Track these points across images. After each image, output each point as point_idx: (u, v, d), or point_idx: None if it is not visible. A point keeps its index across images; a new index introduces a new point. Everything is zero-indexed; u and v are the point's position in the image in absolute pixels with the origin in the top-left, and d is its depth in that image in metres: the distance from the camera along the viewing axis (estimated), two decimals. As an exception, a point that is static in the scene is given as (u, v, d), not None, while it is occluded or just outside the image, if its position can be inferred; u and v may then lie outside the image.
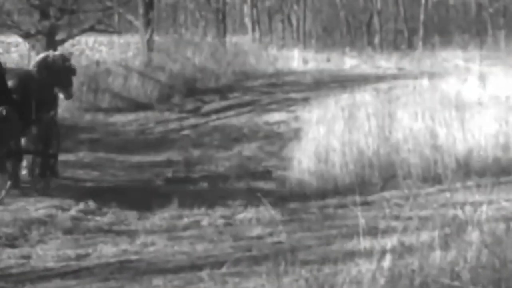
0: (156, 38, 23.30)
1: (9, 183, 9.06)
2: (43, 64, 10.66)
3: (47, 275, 6.54)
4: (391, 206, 8.65)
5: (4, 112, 9.06)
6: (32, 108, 9.80)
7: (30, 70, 10.77)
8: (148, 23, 22.46)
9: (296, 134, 11.88)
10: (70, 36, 20.17)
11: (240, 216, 8.87)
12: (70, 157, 12.95)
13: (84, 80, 19.15)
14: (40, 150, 10.16)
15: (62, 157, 12.96)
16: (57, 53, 11.67)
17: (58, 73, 10.70)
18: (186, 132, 16.69)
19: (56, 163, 10.48)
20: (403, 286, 4.91)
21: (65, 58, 11.12)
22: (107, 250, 7.32)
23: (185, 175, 12.07)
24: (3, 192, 8.85)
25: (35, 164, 10.14)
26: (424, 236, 5.94)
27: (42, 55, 11.28)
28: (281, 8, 45.31)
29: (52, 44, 19.00)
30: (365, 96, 13.17)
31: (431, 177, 10.13)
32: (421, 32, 41.97)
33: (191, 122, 17.50)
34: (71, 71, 11.10)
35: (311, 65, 26.33)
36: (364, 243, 5.83)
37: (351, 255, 5.92)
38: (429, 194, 9.38)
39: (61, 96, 11.22)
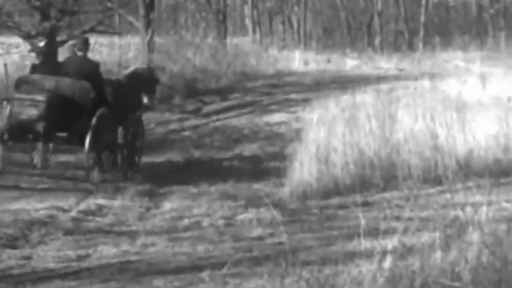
0: (156, 39, 23.29)
1: (103, 168, 11.20)
2: (133, 75, 12.61)
3: (47, 276, 6.53)
4: (392, 206, 8.65)
5: (104, 113, 10.94)
6: (122, 110, 11.50)
7: (121, 79, 12.54)
8: (148, 24, 22.44)
9: (297, 135, 11.88)
10: (71, 37, 20.12)
11: (241, 216, 8.88)
12: (70, 158, 12.95)
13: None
14: (129, 143, 11.88)
15: (62, 157, 13.00)
16: (145, 66, 14.00)
17: (144, 82, 12.62)
18: (186, 133, 16.69)
19: (141, 154, 12.36)
20: (403, 287, 4.91)
21: (151, 70, 13.57)
22: (108, 251, 7.32)
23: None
24: (99, 178, 10.94)
25: (123, 155, 11.81)
26: (425, 237, 5.95)
27: (132, 67, 13.76)
28: (281, 9, 45.31)
29: (52, 45, 19.01)
30: (365, 97, 13.17)
31: (432, 178, 10.13)
32: (421, 33, 41.98)
33: (191, 123, 17.51)
34: (156, 81, 13.25)
35: (312, 66, 26.35)
36: (365, 243, 5.83)
37: (352, 256, 5.92)
38: (429, 195, 9.38)
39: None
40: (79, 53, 11.56)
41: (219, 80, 20.89)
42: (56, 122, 10.79)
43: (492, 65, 23.25)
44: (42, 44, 12.34)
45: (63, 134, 11.11)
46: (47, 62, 11.69)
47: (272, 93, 20.97)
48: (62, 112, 10.80)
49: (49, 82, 11.06)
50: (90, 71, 11.30)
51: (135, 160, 12.11)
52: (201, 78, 20.63)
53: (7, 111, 10.95)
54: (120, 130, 11.72)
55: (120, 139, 11.69)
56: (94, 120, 10.73)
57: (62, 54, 14.71)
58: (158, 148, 14.16)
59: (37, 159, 11.71)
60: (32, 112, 10.74)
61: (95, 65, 11.64)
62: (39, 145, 11.72)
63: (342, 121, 11.19)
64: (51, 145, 11.91)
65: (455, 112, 11.12)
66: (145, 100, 12.72)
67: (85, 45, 11.76)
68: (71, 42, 12.71)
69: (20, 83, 11.29)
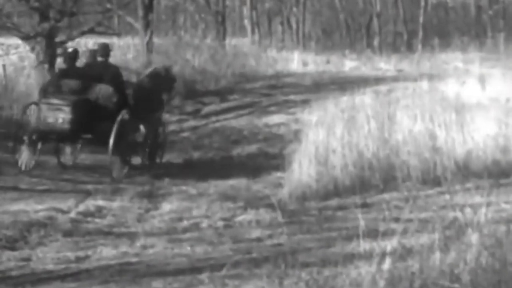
0: (155, 40, 23.30)
1: (127, 167, 11.84)
2: (152, 75, 13.19)
3: (47, 277, 6.53)
4: (391, 208, 8.65)
5: (126, 115, 11.57)
6: (143, 110, 12.17)
7: (141, 80, 13.13)
8: (147, 25, 22.46)
9: (296, 136, 11.88)
10: (70, 38, 20.14)
11: (240, 218, 8.88)
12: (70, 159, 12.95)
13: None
14: (151, 141, 12.55)
15: (62, 158, 12.99)
16: (161, 66, 14.39)
17: (163, 82, 13.18)
18: (185, 134, 16.70)
19: (163, 151, 13.12)
20: (403, 288, 4.92)
21: (168, 69, 13.85)
22: (107, 253, 7.32)
23: None
24: (124, 172, 11.69)
25: (145, 151, 12.54)
26: (424, 238, 5.95)
27: (151, 68, 14.30)
28: (280, 10, 45.31)
29: (51, 46, 19.01)
30: (364, 98, 13.16)
31: (431, 179, 10.13)
32: (420, 34, 41.97)
33: (190, 124, 17.52)
34: (173, 79, 13.79)
35: (311, 67, 26.34)
36: (364, 245, 5.84)
37: (351, 257, 5.92)
38: (428, 196, 9.38)
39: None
40: (101, 59, 12.15)
41: (218, 81, 20.89)
42: (81, 124, 11.48)
43: (491, 66, 23.24)
44: (70, 50, 12.79)
45: (88, 136, 11.81)
46: (73, 67, 12.19)
47: (271, 94, 20.97)
48: (86, 115, 11.49)
49: (74, 86, 11.73)
50: (112, 76, 11.93)
51: (157, 157, 12.82)
52: (200, 79, 20.63)
53: (35, 114, 11.63)
54: (142, 129, 12.39)
55: (142, 138, 12.37)
56: (116, 122, 11.30)
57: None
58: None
59: (66, 158, 12.53)
60: (58, 116, 11.41)
61: (116, 70, 12.27)
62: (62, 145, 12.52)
63: (341, 122, 11.19)
64: (78, 145, 12.68)
65: (454, 113, 11.12)
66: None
67: (106, 50, 12.33)
68: (91, 48, 13.27)
69: (47, 88, 12.01)
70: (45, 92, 11.93)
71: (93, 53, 12.47)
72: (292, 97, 20.17)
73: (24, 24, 19.79)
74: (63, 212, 9.12)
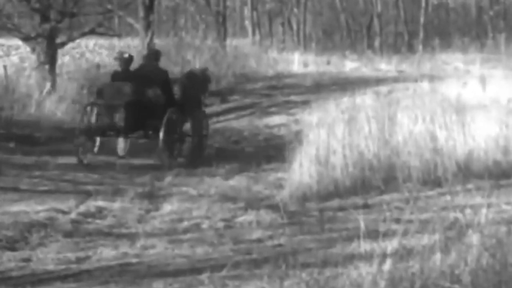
0: (156, 41, 23.30)
1: (177, 158, 13.33)
2: (190, 76, 14.66)
3: (47, 278, 6.54)
4: (392, 209, 8.65)
5: (173, 112, 13.12)
6: (188, 107, 13.77)
7: (180, 80, 14.50)
8: (148, 26, 22.48)
9: (297, 137, 11.86)
10: (71, 39, 20.18)
11: (240, 219, 8.87)
12: (70, 159, 12.96)
13: (85, 83, 19.16)
14: (197, 133, 13.98)
15: (62, 159, 13.01)
16: (198, 68, 16.39)
17: (200, 82, 14.47)
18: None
19: (206, 142, 14.50)
20: (403, 289, 4.91)
21: (203, 70, 15.37)
22: (107, 253, 7.32)
23: None
24: (171, 163, 12.92)
25: (193, 144, 13.94)
26: (425, 239, 5.95)
27: (188, 70, 16.22)
28: (281, 11, 45.34)
29: (52, 47, 19.02)
30: (365, 99, 13.16)
31: (432, 180, 10.12)
32: (421, 35, 42.00)
33: (191, 124, 17.47)
34: (209, 80, 15.08)
35: (311, 68, 26.35)
36: (365, 246, 5.84)
37: (352, 258, 5.93)
38: (429, 197, 9.37)
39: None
40: (152, 63, 13.68)
41: (218, 82, 20.89)
42: (133, 122, 13.03)
43: (492, 67, 23.26)
44: (126, 55, 13.89)
45: (140, 131, 13.42)
46: (127, 71, 13.49)
47: (272, 95, 20.97)
48: (138, 113, 12.98)
49: (128, 88, 13.06)
50: (161, 78, 13.42)
51: (203, 147, 14.24)
52: (201, 80, 20.60)
53: (93, 113, 13.19)
54: (189, 123, 14.00)
55: (189, 131, 14.00)
56: (165, 119, 12.86)
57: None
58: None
59: (119, 150, 13.69)
60: (113, 115, 12.93)
61: (165, 73, 13.71)
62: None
63: (341, 123, 11.17)
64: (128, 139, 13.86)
65: (454, 114, 11.11)
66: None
67: (157, 55, 13.97)
68: (143, 53, 14.76)
69: (103, 89, 13.37)
70: (101, 93, 13.30)
71: (145, 57, 14.02)
72: (292, 97, 20.18)
73: (25, 25, 19.80)
74: (64, 212, 9.11)
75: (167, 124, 12.93)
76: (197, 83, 14.49)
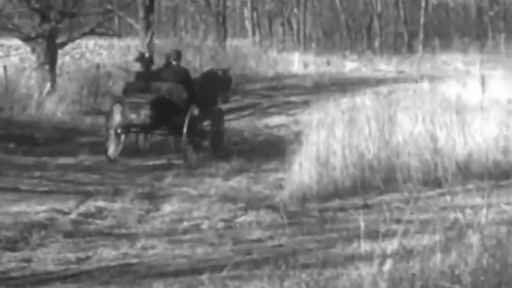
0: (156, 41, 23.30)
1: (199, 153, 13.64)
2: (207, 75, 15.20)
3: (47, 278, 6.54)
4: (392, 209, 8.64)
5: (195, 109, 13.53)
6: (207, 104, 14.14)
7: (196, 79, 14.80)
8: (148, 26, 22.46)
9: (297, 138, 11.87)
10: (71, 39, 20.18)
11: (240, 219, 8.88)
12: (70, 160, 12.96)
13: (85, 83, 19.16)
14: (215, 130, 14.44)
15: (62, 160, 13.01)
16: (220, 68, 16.51)
17: (220, 82, 14.93)
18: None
19: (223, 137, 14.87)
20: (403, 290, 4.92)
21: (224, 70, 15.64)
22: (108, 254, 7.32)
23: None
24: (195, 157, 13.41)
25: (212, 139, 14.36)
26: (425, 239, 5.95)
27: (207, 68, 16.75)
28: (281, 11, 45.33)
29: (52, 47, 19.02)
30: (365, 99, 13.17)
31: (432, 180, 10.12)
32: (421, 35, 41.98)
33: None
34: (230, 80, 15.52)
35: (311, 68, 26.38)
36: (365, 246, 5.83)
37: (352, 259, 5.93)
38: (429, 198, 9.37)
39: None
40: (174, 62, 14.04)
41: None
42: (158, 119, 13.50)
43: (492, 67, 23.26)
44: (146, 55, 14.54)
45: (163, 127, 13.96)
46: (149, 70, 14.03)
47: (272, 95, 20.99)
48: (162, 111, 13.46)
49: (152, 87, 13.66)
50: (183, 77, 13.87)
51: (220, 142, 14.68)
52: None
53: (119, 111, 13.62)
54: (208, 120, 14.41)
55: (209, 127, 14.45)
56: (187, 116, 13.30)
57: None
58: (158, 150, 14.18)
59: (140, 145, 14.35)
60: (140, 112, 13.38)
61: (186, 72, 14.19)
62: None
63: (341, 124, 11.18)
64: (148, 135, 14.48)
65: (454, 115, 11.11)
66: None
67: (178, 55, 14.26)
68: (165, 53, 14.97)
69: (128, 89, 13.91)
70: (126, 92, 13.85)
71: (167, 57, 14.33)
72: (292, 98, 20.20)
73: (25, 25, 19.79)
74: (64, 213, 9.11)
75: (190, 121, 13.38)
76: (216, 81, 14.85)
